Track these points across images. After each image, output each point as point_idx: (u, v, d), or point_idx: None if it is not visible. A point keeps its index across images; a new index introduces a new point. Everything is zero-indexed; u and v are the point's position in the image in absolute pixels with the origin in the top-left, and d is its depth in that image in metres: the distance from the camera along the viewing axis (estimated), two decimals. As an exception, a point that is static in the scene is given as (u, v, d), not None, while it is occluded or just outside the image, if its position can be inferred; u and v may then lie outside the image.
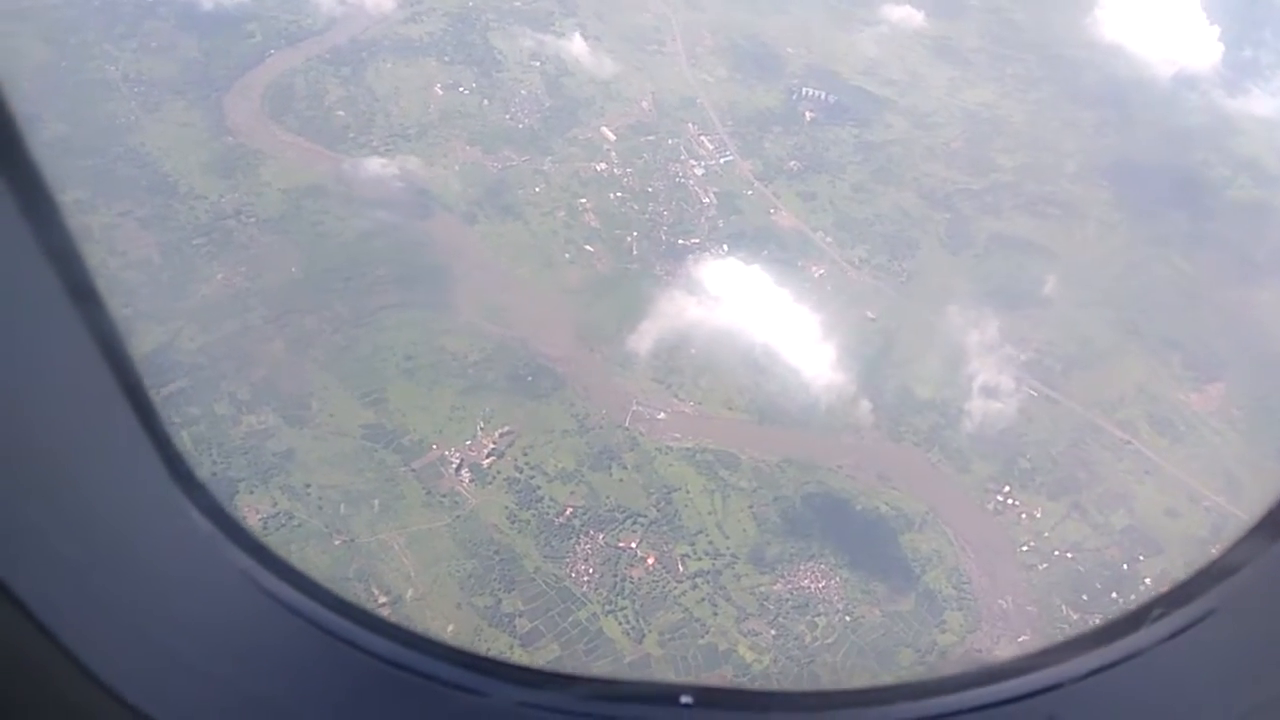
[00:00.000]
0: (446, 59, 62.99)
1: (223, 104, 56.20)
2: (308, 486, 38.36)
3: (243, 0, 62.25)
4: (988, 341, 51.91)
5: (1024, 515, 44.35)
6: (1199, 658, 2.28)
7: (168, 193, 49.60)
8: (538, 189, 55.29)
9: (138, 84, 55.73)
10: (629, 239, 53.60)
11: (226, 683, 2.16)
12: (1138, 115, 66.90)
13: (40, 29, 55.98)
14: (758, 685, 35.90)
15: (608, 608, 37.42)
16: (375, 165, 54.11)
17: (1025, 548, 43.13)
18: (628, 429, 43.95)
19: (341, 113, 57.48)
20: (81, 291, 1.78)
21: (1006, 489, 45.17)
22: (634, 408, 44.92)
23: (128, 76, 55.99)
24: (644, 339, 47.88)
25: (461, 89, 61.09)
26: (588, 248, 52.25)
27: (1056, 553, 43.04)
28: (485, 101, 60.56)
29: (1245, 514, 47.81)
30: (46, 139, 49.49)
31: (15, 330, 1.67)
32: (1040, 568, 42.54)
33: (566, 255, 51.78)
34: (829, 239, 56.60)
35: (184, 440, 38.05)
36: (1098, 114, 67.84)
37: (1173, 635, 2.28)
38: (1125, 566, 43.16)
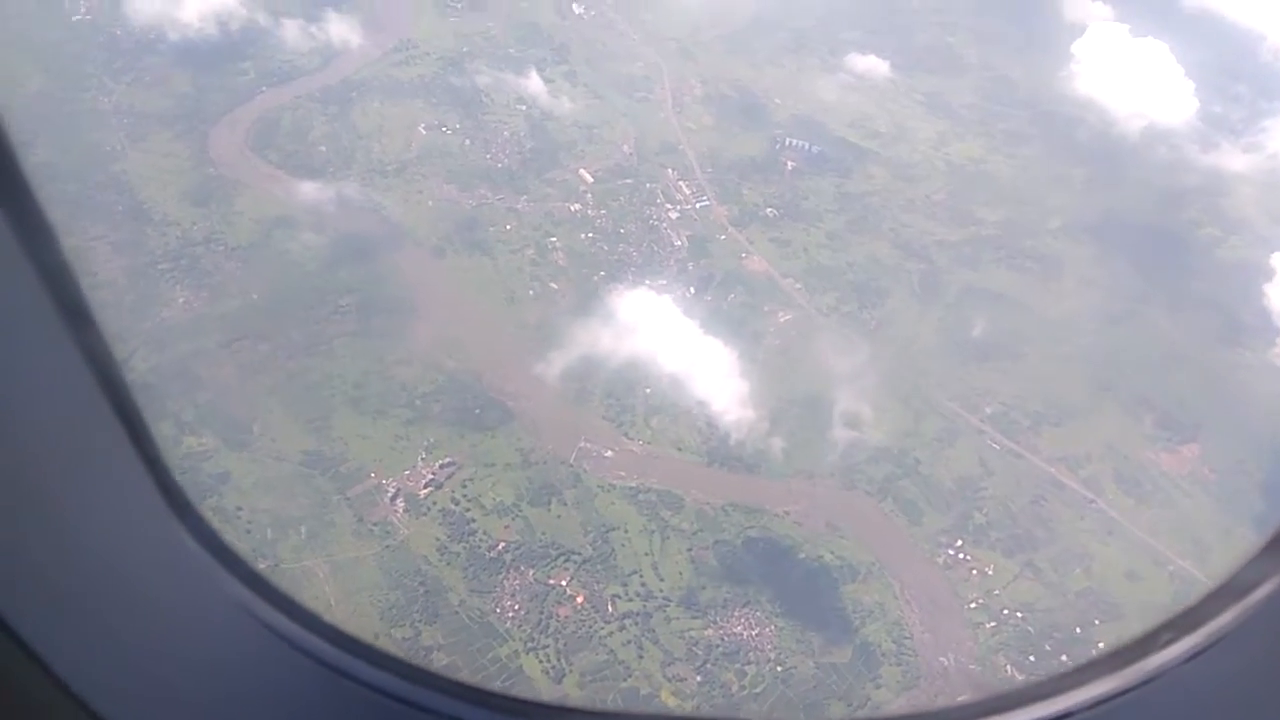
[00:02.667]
0: (434, 100, 64.20)
1: (208, 137, 57.57)
2: (239, 509, 38.35)
3: (238, 40, 64.01)
4: (952, 393, 51.14)
5: (975, 571, 43.19)
6: (1210, 683, 2.23)
7: (142, 219, 50.67)
8: (509, 227, 55.81)
9: (128, 115, 57.32)
10: (595, 279, 53.76)
11: (213, 709, 2.14)
12: (1128, 173, 66.35)
13: (42, 60, 57.99)
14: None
15: (530, 645, 36.77)
16: (349, 198, 54.97)
17: (973, 604, 41.91)
18: (572, 465, 43.61)
19: (323, 148, 58.62)
20: (76, 315, 1.80)
21: (959, 543, 44.10)
22: (581, 444, 44.61)
23: (119, 108, 57.64)
24: (598, 377, 47.74)
25: (445, 129, 62.16)
26: (553, 285, 52.47)
27: (1006, 611, 41.77)
28: (467, 141, 61.53)
29: (1211, 579, 46.39)
30: (32, 164, 50.79)
31: (10, 352, 1.68)
32: (987, 626, 41.28)
33: (531, 292, 52.02)
34: (799, 285, 56.38)
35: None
36: (1087, 170, 67.35)
37: (1184, 661, 2.21)
38: (1079, 630, 41.79)
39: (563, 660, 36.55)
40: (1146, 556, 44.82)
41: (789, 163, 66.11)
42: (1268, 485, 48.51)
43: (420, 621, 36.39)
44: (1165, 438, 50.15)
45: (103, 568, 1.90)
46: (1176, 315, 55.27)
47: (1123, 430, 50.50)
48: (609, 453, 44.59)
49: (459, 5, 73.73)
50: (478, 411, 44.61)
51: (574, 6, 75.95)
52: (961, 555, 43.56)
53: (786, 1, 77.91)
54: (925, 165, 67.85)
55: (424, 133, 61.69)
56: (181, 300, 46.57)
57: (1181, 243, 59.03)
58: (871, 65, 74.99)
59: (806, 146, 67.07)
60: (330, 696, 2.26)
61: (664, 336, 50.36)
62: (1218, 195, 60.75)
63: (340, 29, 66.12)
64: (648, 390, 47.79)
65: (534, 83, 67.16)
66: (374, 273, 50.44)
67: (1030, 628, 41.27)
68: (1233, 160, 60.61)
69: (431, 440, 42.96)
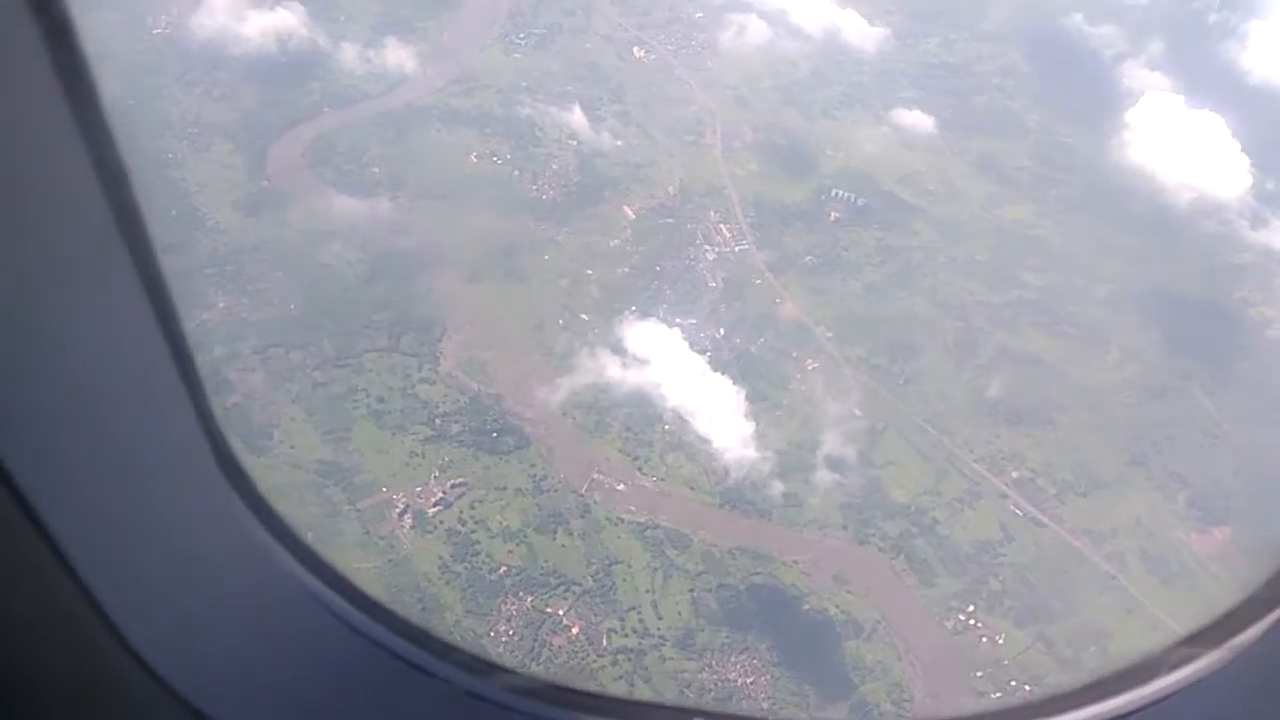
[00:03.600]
0: (488, 131, 65.83)
1: (268, 151, 59.79)
2: (251, 512, 39.15)
3: (307, 62, 66.65)
4: (978, 454, 50.21)
5: (985, 639, 42.07)
6: (1217, 708, 2.22)
7: (194, 224, 52.64)
8: (547, 257, 56.72)
9: (193, 126, 59.88)
10: (627, 313, 54.22)
11: (257, 668, 2.20)
12: (1178, 246, 65.01)
13: (117, 70, 60.88)
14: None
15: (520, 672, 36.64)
16: (395, 219, 56.51)
17: (980, 673, 40.76)
18: (583, 496, 43.73)
19: (376, 169, 60.43)
20: (142, 256, 1.77)
21: (970, 609, 43.01)
22: (594, 476, 44.75)
23: (185, 119, 60.24)
24: (619, 410, 47.98)
25: (495, 159, 63.67)
26: (583, 316, 53.05)
27: (1014, 683, 40.49)
28: (516, 172, 62.90)
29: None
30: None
31: (75, 275, 1.67)
32: (993, 696, 40.06)
33: (560, 321, 52.66)
34: (830, 334, 56.11)
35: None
36: (1138, 241, 66.06)
37: (1209, 674, 2.21)
38: (1088, 708, 40.29)
39: (552, 690, 36.33)
40: (1166, 638, 42.74)
41: (833, 213, 66.12)
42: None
43: (414, 637, 36.57)
44: (1196, 518, 48.48)
45: (155, 519, 1.92)
46: (1218, 394, 53.62)
47: (1152, 507, 48.98)
48: (621, 486, 44.63)
49: (524, 43, 75.71)
50: (495, 435, 45.10)
51: (635, 51, 77.43)
52: (972, 621, 42.46)
53: (846, 57, 78.28)
54: (972, 225, 67.25)
55: (475, 161, 63.25)
56: (222, 305, 48.13)
57: (1229, 320, 57.48)
58: (926, 123, 74.79)
59: (852, 198, 67.03)
60: (383, 676, 2.24)
61: (688, 375, 50.51)
62: (1270, 274, 59.11)
63: (403, 57, 68.45)
64: (666, 427, 47.84)
65: (587, 120, 68.54)
66: (410, 292, 51.57)
67: (1037, 702, 39.91)
68: (1282, 238, 59.23)
69: (446, 459, 43.50)
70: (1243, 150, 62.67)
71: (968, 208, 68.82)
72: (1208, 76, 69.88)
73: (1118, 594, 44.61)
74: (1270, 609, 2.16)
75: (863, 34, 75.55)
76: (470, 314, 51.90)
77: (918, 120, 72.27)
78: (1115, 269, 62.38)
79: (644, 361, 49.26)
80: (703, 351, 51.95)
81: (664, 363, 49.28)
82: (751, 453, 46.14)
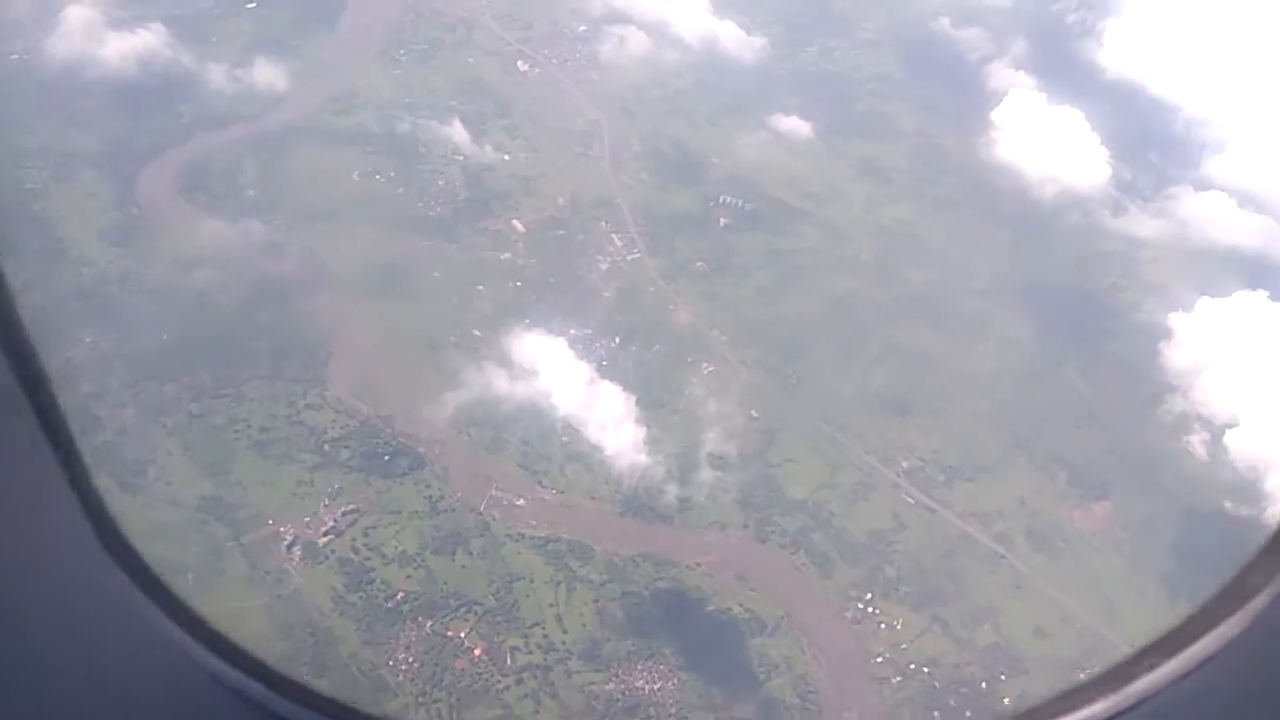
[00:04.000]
0: (370, 149, 64.57)
1: (136, 178, 57.28)
2: (127, 554, 37.24)
3: (176, 82, 64.19)
4: (870, 446, 51.47)
5: (883, 625, 43.05)
6: (1216, 693, 2.20)
7: (56, 257, 50.02)
8: (436, 274, 55.88)
9: (55, 155, 56.95)
10: (520, 327, 53.76)
11: None
12: (1050, 237, 68.06)
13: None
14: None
15: (421, 700, 35.86)
16: (275, 242, 54.80)
17: (880, 659, 41.68)
18: (481, 514, 43.08)
19: (252, 192, 58.56)
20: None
21: (869, 597, 43.98)
22: (492, 492, 44.15)
23: (47, 147, 57.22)
24: (515, 425, 47.49)
25: (379, 176, 62.48)
26: (475, 332, 52.39)
27: (913, 666, 41.60)
28: (400, 189, 61.86)
29: (1119, 637, 46.59)
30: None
31: None
32: (894, 681, 41.06)
33: (452, 339, 51.88)
34: (724, 338, 56.82)
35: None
36: (1012, 234, 68.86)
37: (1189, 672, 2.19)
38: (984, 685, 41.69)
39: (455, 715, 35.65)
40: (1055, 613, 44.95)
41: (722, 219, 67.08)
42: (1176, 545, 49.10)
43: (308, 674, 35.27)
44: (1078, 495, 50.72)
45: (38, 601, 1.88)
46: (1092, 376, 56.32)
47: (1036, 486, 51.02)
48: (520, 501, 44.15)
49: (405, 59, 74.66)
50: (387, 458, 44.07)
51: (520, 65, 77.17)
52: (871, 609, 43.41)
53: (729, 67, 79.55)
54: (855, 226, 69.08)
55: (358, 179, 61.93)
56: (89, 339, 45.78)
57: (1099, 306, 60.44)
58: (806, 129, 76.55)
59: (740, 204, 68.11)
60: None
61: (585, 385, 50.38)
62: (1134, 260, 62.51)
63: (275, 76, 66.62)
64: (564, 438, 47.57)
65: (473, 134, 67.88)
66: (292, 316, 50.05)
67: (936, 683, 41.09)
68: (1142, 225, 62.51)
69: (336, 486, 42.28)
70: (1102, 143, 66.12)
71: (851, 209, 70.67)
72: (1068, 74, 73.59)
73: (1007, 572, 46.24)
74: (1244, 602, 2.18)
75: (741, 43, 77.06)
76: (358, 335, 50.67)
77: (798, 126, 73.92)
78: (991, 262, 64.94)
79: (536, 374, 48.93)
80: (595, 360, 51.90)
81: (556, 374, 49.03)
82: (644, 458, 46.27)
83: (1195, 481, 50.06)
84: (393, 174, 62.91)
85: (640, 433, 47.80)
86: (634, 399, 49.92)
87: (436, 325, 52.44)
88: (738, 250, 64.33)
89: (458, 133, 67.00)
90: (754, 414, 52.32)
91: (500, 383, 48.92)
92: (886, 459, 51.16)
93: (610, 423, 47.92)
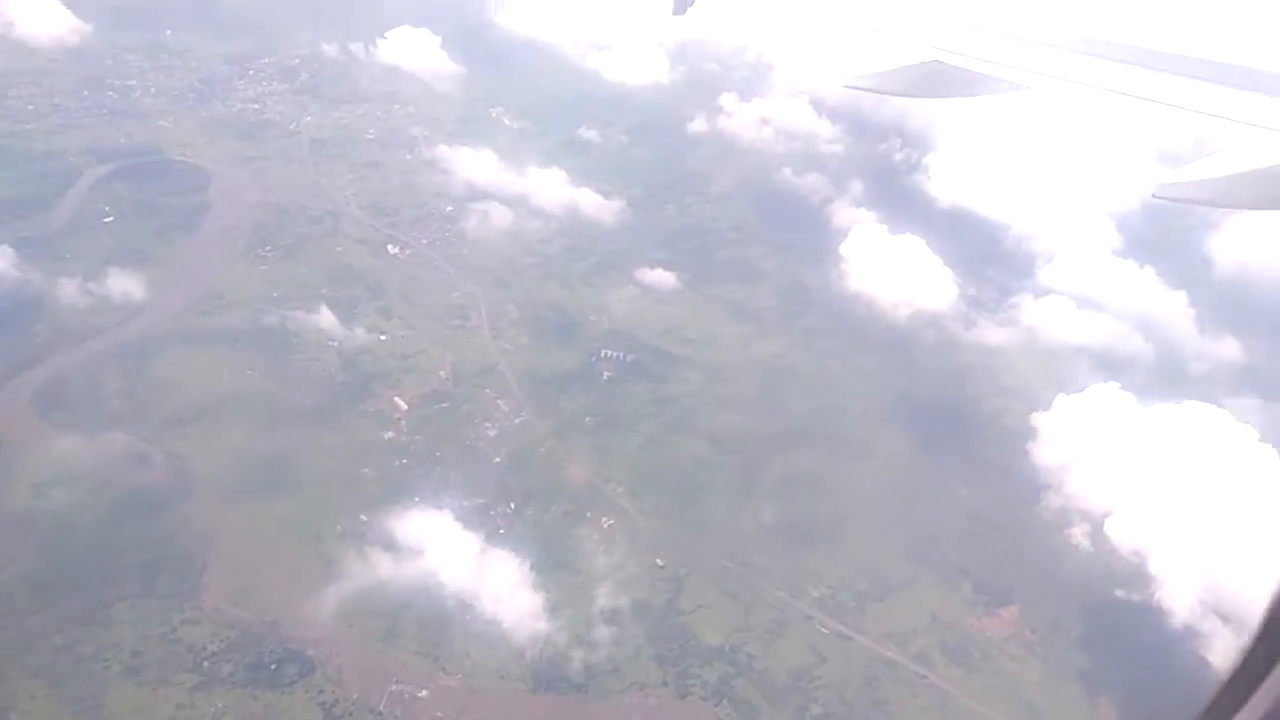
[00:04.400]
0: (239, 346, 63.42)
1: (-14, 403, 54.35)
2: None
3: (27, 302, 62.32)
4: (779, 581, 51.15)
5: (818, 767, 41.55)
6: None
7: (-108, 495, 46.31)
8: (316, 463, 54.11)
9: (-108, 387, 53.72)
10: (410, 506, 52.16)
11: None
12: (913, 356, 71.63)
13: None
14: None
15: None
16: (140, 452, 52.32)
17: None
18: (381, 713, 40.19)
19: (116, 403, 56.24)
20: None
21: (800, 739, 42.58)
22: (392, 687, 41.43)
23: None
24: (411, 611, 45.25)
25: (250, 372, 61.13)
26: (363, 518, 50.48)
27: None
28: (274, 383, 60.52)
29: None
30: None
31: None
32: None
33: (338, 528, 49.76)
34: (621, 489, 56.49)
35: None
36: (879, 358, 72.24)
37: None
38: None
39: None
40: (984, 727, 44.48)
41: (605, 373, 68.08)
42: (1084, 639, 49.94)
43: None
44: (984, 602, 51.36)
45: None
46: (974, 483, 58.23)
47: (944, 599, 51.45)
48: (423, 693, 41.56)
49: (271, 254, 74.90)
50: (274, 666, 41.03)
51: (390, 248, 78.45)
52: (803, 752, 41.95)
53: (595, 229, 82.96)
54: (734, 365, 71.19)
55: (227, 378, 60.39)
56: (-67, 581, 41.90)
57: (968, 415, 63.27)
58: (675, 280, 79.81)
59: (621, 357, 69.47)
60: None
61: (484, 558, 48.80)
62: (991, 369, 66.27)
63: (131, 285, 65.66)
64: (466, 618, 45.51)
65: (346, 319, 67.72)
66: (163, 528, 47.23)
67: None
68: (992, 335, 66.79)
69: (220, 706, 38.94)
70: (944, 264, 71.24)
71: (727, 350, 72.98)
72: (904, 206, 79.95)
73: (930, 692, 45.80)
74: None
75: (600, 207, 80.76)
76: (235, 539, 48.00)
77: (667, 278, 76.98)
78: (863, 386, 67.66)
79: (429, 552, 47.18)
80: (490, 530, 50.57)
81: (449, 550, 47.43)
82: (545, 625, 44.58)
83: (1086, 574, 51.53)
84: (265, 368, 61.69)
85: (546, 599, 46.23)
86: (529, 565, 48.53)
87: (320, 516, 50.30)
88: (624, 401, 65.07)
89: (329, 319, 66.77)
90: (659, 562, 51.56)
91: (390, 567, 46.90)
92: (797, 591, 50.87)
93: (509, 593, 46.27)
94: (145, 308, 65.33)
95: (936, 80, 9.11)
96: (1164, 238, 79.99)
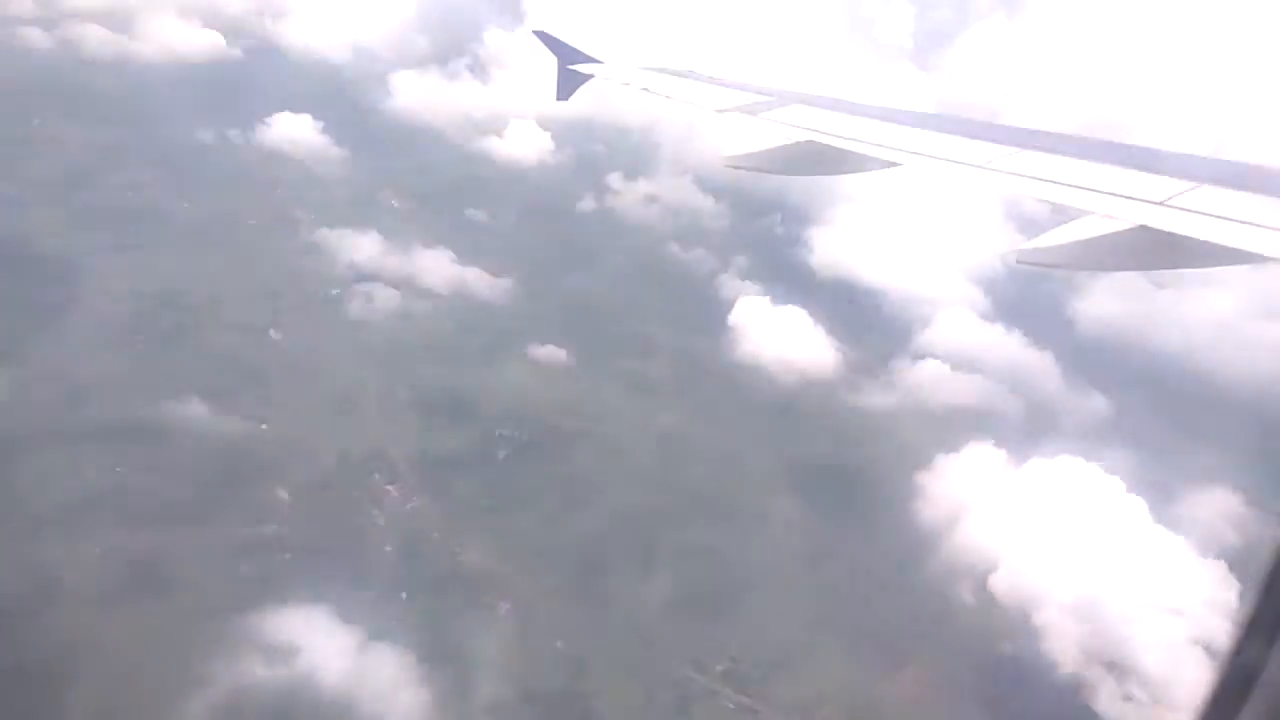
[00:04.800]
0: (107, 442, 59.86)
1: None
2: None
3: None
4: (683, 656, 50.41)
5: None
6: None
7: None
8: (190, 562, 51.03)
9: None
10: (294, 602, 49.49)
11: None
12: (801, 423, 73.00)
13: None
14: None
15: None
16: (-8, 562, 48.29)
17: None
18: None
19: (-35, 510, 52.02)
20: None
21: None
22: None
23: None
24: (295, 715, 42.53)
25: (119, 469, 57.67)
26: (237, 619, 47.55)
27: None
28: (145, 479, 57.17)
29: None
30: None
31: None
32: None
33: (213, 631, 46.68)
34: (519, 572, 55.08)
35: None
36: (771, 425, 73.38)
37: None
38: None
39: None
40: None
41: (501, 453, 66.97)
42: (990, 697, 50.75)
43: None
44: (885, 664, 51.67)
45: None
46: (868, 544, 59.21)
47: (846, 664, 51.52)
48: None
49: (143, 345, 71.75)
50: (142, 788, 37.78)
51: (271, 333, 76.22)
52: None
53: (485, 308, 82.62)
54: (632, 439, 71.06)
55: (94, 477, 56.74)
56: None
57: (858, 478, 64.71)
58: (572, 355, 79.81)
59: (517, 435, 68.56)
60: None
61: (370, 654, 46.49)
62: (871, 432, 68.28)
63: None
64: (351, 720, 43.06)
65: (224, 410, 64.92)
66: (12, 648, 43.37)
67: None
68: (875, 398, 69.10)
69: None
70: (827, 332, 73.83)
71: (625, 424, 72.89)
72: (786, 277, 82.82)
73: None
74: None
75: (490, 286, 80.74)
76: (101, 650, 44.49)
77: (560, 355, 77.00)
78: (758, 454, 68.47)
79: (309, 652, 44.69)
80: (378, 623, 48.36)
81: (331, 648, 45.05)
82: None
83: (976, 629, 52.66)
84: (135, 465, 58.27)
85: (427, 695, 44.22)
86: (420, 658, 46.50)
87: (194, 620, 47.19)
88: (521, 481, 63.93)
89: (206, 410, 63.89)
90: (559, 644, 50.22)
91: (269, 670, 44.13)
92: (701, 666, 50.22)
93: (395, 691, 44.14)
94: (4, 408, 61.19)
95: (812, 159, 9.64)
96: (1030, 301, 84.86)
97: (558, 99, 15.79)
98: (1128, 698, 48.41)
